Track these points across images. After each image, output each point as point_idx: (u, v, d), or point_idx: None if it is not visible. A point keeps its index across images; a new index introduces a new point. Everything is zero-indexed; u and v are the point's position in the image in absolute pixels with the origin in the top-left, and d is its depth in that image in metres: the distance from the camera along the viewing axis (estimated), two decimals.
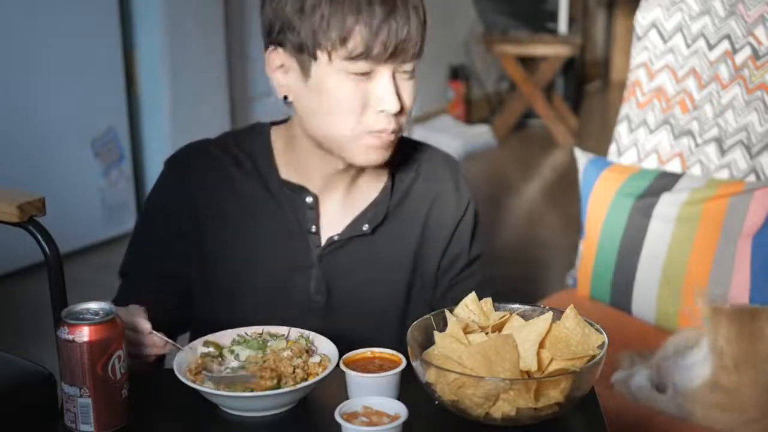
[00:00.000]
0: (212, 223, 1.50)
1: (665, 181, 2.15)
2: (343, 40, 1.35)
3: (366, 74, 1.37)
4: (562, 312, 1.23)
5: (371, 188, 1.53)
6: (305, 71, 1.40)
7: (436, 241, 1.56)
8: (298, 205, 1.49)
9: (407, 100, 1.41)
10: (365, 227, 1.50)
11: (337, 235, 1.50)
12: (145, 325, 1.27)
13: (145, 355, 1.28)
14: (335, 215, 1.51)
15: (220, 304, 1.49)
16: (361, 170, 1.50)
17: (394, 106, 1.38)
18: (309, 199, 1.49)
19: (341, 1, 1.34)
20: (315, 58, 1.37)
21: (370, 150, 1.42)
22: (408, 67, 1.39)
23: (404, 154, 1.56)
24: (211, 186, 1.51)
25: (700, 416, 1.74)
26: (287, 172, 1.50)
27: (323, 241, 1.50)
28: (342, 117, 1.39)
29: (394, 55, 1.36)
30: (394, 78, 1.39)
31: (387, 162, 1.51)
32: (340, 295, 1.50)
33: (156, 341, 1.27)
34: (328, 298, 1.50)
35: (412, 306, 1.53)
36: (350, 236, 1.50)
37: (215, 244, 1.50)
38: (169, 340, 1.27)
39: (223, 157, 1.52)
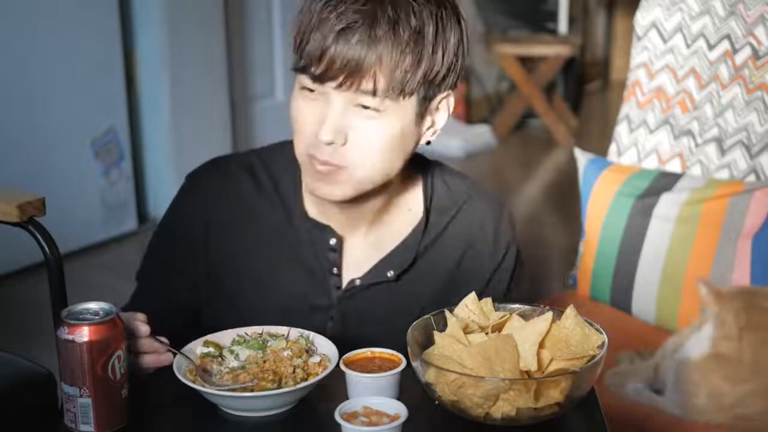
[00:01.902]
0: (226, 251, 1.44)
1: (665, 181, 2.15)
2: (298, 48, 1.29)
3: (312, 91, 1.30)
4: (562, 312, 1.23)
5: (402, 225, 1.44)
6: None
7: (469, 287, 1.42)
8: (320, 244, 1.41)
9: (355, 141, 1.30)
10: (390, 273, 1.42)
11: (359, 279, 1.42)
12: (144, 328, 1.25)
13: (145, 366, 1.26)
14: (359, 254, 1.43)
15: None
16: (381, 210, 1.42)
17: (325, 136, 1.28)
18: (333, 241, 1.41)
19: (322, 10, 1.27)
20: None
21: (313, 178, 1.34)
22: (365, 101, 1.28)
23: (446, 192, 1.47)
24: (228, 212, 1.44)
25: (699, 387, 1.74)
26: (312, 206, 1.43)
27: (344, 282, 1.43)
28: (297, 135, 1.34)
29: (338, 82, 1.27)
30: (348, 109, 1.29)
31: (424, 198, 1.44)
32: (358, 340, 1.40)
33: (156, 347, 1.26)
34: (344, 342, 1.40)
35: None
36: (373, 282, 1.42)
37: (228, 274, 1.44)
38: (169, 347, 1.26)
39: (246, 180, 1.44)
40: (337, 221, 1.42)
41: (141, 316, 1.27)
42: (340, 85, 1.28)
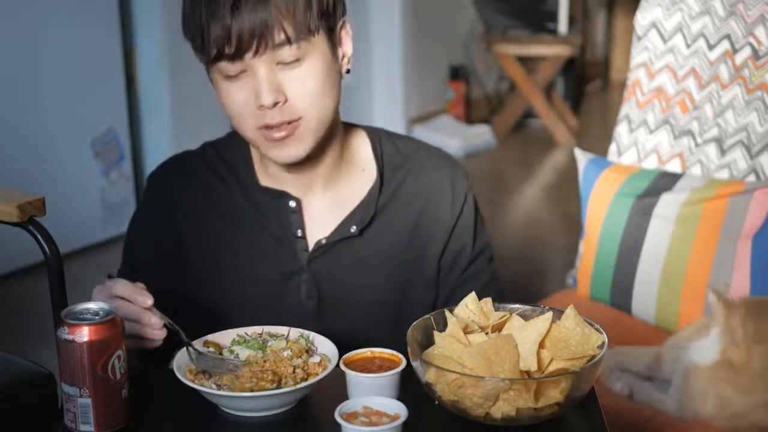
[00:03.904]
0: (195, 240, 1.49)
1: (665, 181, 2.15)
2: (202, 45, 1.34)
3: (239, 74, 1.34)
4: (562, 312, 1.23)
5: (358, 187, 1.49)
6: (207, 73, 1.40)
7: (433, 239, 1.51)
8: (281, 211, 1.47)
9: (294, 92, 1.35)
10: (353, 229, 1.47)
11: (325, 238, 1.47)
12: (147, 299, 1.25)
13: (142, 336, 1.26)
14: (321, 217, 1.48)
15: (210, 319, 1.42)
16: (333, 168, 1.47)
17: (266, 100, 1.33)
18: (292, 204, 1.46)
19: (200, 5, 1.32)
20: (202, 61, 1.38)
21: (276, 146, 1.38)
22: (285, 55, 1.33)
23: (395, 150, 1.52)
24: (192, 203, 1.49)
25: (706, 394, 1.73)
26: (266, 178, 1.48)
27: (311, 245, 1.47)
28: (239, 119, 1.38)
29: (254, 49, 1.31)
30: (274, 70, 1.33)
31: (375, 159, 1.50)
32: (331, 299, 1.47)
33: (153, 322, 1.25)
34: (319, 303, 1.47)
35: (407, 305, 1.50)
36: (338, 239, 1.47)
37: (200, 261, 1.49)
38: (166, 318, 1.26)
39: (204, 170, 1.50)
40: (292, 186, 1.47)
41: (142, 285, 1.28)
42: (256, 51, 1.32)
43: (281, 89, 1.34)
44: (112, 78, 3.75)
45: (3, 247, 2.88)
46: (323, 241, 1.47)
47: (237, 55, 1.32)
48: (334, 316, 1.46)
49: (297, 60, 1.34)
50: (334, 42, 1.39)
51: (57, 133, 3.57)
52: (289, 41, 1.32)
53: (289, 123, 1.36)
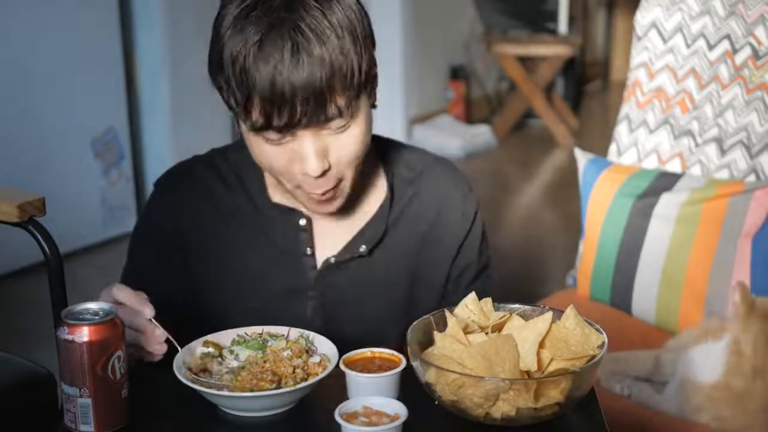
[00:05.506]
0: (201, 249, 1.46)
1: (665, 181, 2.15)
2: (246, 112, 1.27)
3: (281, 139, 1.28)
4: (562, 312, 1.23)
5: (368, 203, 1.47)
6: (235, 119, 1.35)
7: (443, 255, 1.49)
8: (290, 227, 1.44)
9: (338, 157, 1.31)
10: (362, 248, 1.44)
11: (334, 257, 1.44)
12: (148, 311, 1.24)
13: (143, 347, 1.26)
14: (331, 234, 1.45)
15: (211, 323, 1.39)
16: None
17: (315, 170, 1.29)
18: (302, 222, 1.44)
19: (245, 67, 1.25)
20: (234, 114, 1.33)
21: (314, 204, 1.36)
22: (334, 124, 1.28)
23: (405, 165, 1.50)
24: (198, 210, 1.47)
25: (702, 410, 1.73)
26: (277, 191, 1.45)
27: (319, 263, 1.44)
28: (277, 175, 1.35)
29: (305, 124, 1.26)
30: (320, 137, 1.29)
31: (386, 173, 1.47)
32: (337, 317, 1.45)
33: (158, 334, 1.25)
34: (324, 320, 1.45)
35: (413, 320, 1.48)
36: (347, 258, 1.44)
37: (205, 270, 1.46)
38: (166, 333, 1.26)
39: (211, 177, 1.48)
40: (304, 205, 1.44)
41: (145, 296, 1.26)
42: (307, 126, 1.27)
43: (326, 156, 1.30)
44: (112, 78, 3.75)
45: (3, 247, 2.88)
46: (332, 260, 1.44)
47: (286, 129, 1.27)
48: (339, 331, 1.41)
49: (344, 125, 1.30)
50: (374, 94, 1.35)
51: (57, 133, 3.58)
52: (340, 114, 1.27)
53: (332, 189, 1.34)
